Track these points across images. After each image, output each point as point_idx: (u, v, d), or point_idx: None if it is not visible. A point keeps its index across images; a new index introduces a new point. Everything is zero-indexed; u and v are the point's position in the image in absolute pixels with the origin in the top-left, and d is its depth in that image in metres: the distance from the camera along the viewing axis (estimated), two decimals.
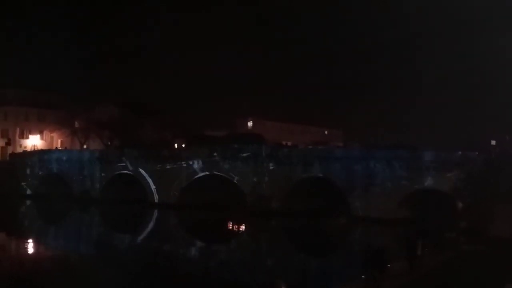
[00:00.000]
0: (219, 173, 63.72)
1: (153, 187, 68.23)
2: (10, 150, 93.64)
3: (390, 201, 53.09)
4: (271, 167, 60.49)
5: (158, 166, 67.75)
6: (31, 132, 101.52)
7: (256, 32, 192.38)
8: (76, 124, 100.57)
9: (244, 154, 62.21)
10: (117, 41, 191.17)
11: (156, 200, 67.68)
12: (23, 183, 78.95)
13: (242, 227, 58.74)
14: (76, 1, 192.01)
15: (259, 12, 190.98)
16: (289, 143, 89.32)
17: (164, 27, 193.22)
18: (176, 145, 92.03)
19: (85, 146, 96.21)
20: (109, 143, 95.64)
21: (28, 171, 79.10)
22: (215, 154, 64.46)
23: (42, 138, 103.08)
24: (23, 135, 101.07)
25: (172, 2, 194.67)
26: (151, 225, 61.70)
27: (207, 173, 64.63)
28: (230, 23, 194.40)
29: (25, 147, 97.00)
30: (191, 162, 65.64)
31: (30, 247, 45.00)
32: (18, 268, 35.09)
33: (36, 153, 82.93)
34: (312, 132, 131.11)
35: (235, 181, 62.64)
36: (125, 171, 70.87)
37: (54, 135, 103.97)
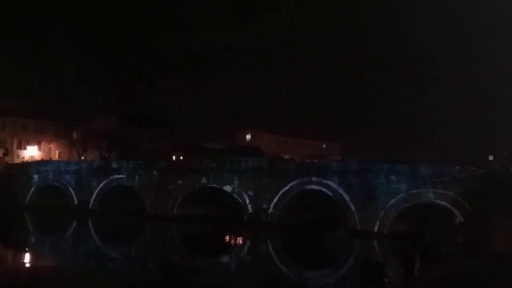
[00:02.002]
0: (216, 186, 63.58)
1: (151, 199, 68.00)
2: (7, 160, 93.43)
3: (388, 215, 52.98)
4: (269, 180, 60.34)
5: (156, 178, 67.57)
6: (29, 143, 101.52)
7: (257, 47, 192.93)
8: (74, 135, 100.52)
9: (242, 167, 62.10)
10: (118, 53, 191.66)
11: (154, 212, 67.39)
12: (20, 194, 78.60)
13: (240, 240, 58.56)
14: (76, 11, 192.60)
15: (260, 27, 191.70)
16: (287, 157, 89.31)
17: (166, 41, 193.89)
18: (174, 157, 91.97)
19: (83, 157, 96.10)
20: (107, 154, 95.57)
21: (25, 182, 78.80)
22: (213, 166, 64.35)
23: (40, 149, 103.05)
24: (21, 146, 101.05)
25: (175, 17, 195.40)
26: (148, 237, 61.48)
27: (204, 185, 64.45)
28: (231, 39, 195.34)
29: (23, 158, 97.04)
30: (188, 175, 65.48)
31: (26, 259, 44.70)
32: (14, 280, 34.83)
33: (34, 164, 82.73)
34: (310, 145, 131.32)
35: (233, 194, 62.46)
36: (123, 183, 70.72)
37: (52, 146, 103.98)
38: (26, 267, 40.92)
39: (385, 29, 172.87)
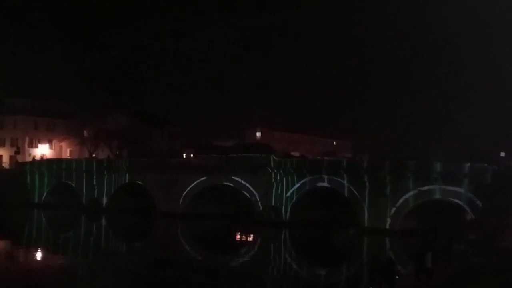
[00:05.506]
0: (227, 183, 63.66)
1: (161, 196, 68.20)
2: (19, 159, 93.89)
3: (399, 212, 52.82)
4: (279, 178, 60.31)
5: (166, 176, 67.71)
6: (40, 141, 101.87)
7: (265, 43, 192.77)
8: (85, 134, 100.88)
9: (253, 165, 62.08)
10: (128, 52, 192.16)
11: (164, 210, 67.54)
12: (31, 192, 79.08)
13: (250, 238, 58.59)
14: (87, 11, 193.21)
15: (267, 24, 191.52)
16: (297, 154, 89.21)
17: (175, 39, 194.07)
18: (184, 155, 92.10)
19: (94, 156, 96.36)
20: (118, 152, 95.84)
21: (36, 180, 79.28)
22: (223, 164, 64.43)
23: (51, 147, 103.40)
24: (32, 144, 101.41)
25: (184, 15, 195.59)
26: (159, 235, 61.62)
27: (215, 183, 64.54)
28: (239, 36, 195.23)
29: (34, 156, 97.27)
30: (199, 172, 65.60)
31: (38, 256, 45.02)
32: (26, 276, 35.05)
33: (45, 162, 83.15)
34: (320, 142, 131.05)
35: (243, 192, 62.51)
36: (134, 181, 70.94)
37: (63, 144, 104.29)
38: (39, 264, 41.23)
39: (392, 26, 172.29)
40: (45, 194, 78.36)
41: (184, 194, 66.41)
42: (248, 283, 35.83)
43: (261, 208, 60.93)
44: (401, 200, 52.87)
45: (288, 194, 59.50)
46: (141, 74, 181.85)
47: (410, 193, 52.58)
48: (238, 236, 59.61)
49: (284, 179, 60.04)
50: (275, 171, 60.67)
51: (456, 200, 49.91)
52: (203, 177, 65.24)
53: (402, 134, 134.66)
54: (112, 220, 68.38)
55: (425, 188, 51.86)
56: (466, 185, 49.38)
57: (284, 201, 59.68)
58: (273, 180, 60.64)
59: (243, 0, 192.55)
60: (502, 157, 61.46)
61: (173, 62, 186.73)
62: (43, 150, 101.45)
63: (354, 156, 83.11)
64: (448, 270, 28.73)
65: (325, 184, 57.70)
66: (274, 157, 62.96)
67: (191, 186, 66.03)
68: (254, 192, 61.60)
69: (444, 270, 28.33)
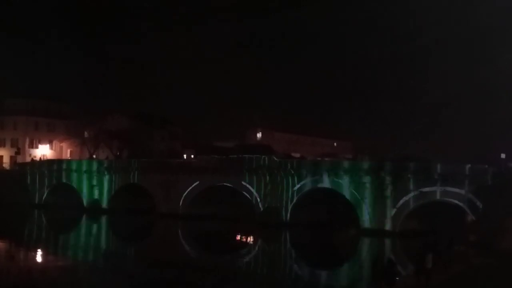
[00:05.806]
0: (227, 184, 63.61)
1: (162, 197, 68.16)
2: (19, 159, 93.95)
3: (399, 213, 52.78)
4: (279, 179, 60.25)
5: (167, 176, 67.65)
6: (40, 142, 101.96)
7: (266, 45, 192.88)
8: (86, 134, 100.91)
9: (253, 166, 62.04)
10: (128, 52, 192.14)
11: (165, 210, 67.52)
12: (32, 193, 79.02)
13: (251, 239, 58.53)
14: (85, 12, 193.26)
15: (269, 25, 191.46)
16: (297, 155, 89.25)
17: (175, 39, 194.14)
18: (185, 156, 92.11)
19: (94, 156, 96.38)
20: (118, 153, 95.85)
21: (37, 180, 79.22)
22: (223, 165, 64.39)
23: (51, 148, 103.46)
24: (33, 145, 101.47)
25: (185, 15, 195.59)
26: (159, 236, 61.57)
27: (215, 184, 64.50)
28: (240, 36, 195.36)
29: (35, 156, 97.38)
30: (199, 173, 65.53)
31: (39, 257, 44.97)
32: (26, 277, 35.05)
33: (45, 163, 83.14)
34: (321, 143, 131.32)
35: (244, 193, 62.45)
36: (134, 182, 70.89)
37: (64, 145, 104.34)
38: (39, 264, 41.17)
39: (392, 26, 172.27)
40: (45, 195, 78.31)
41: (184, 195, 66.35)
42: (248, 283, 35.81)
43: (261, 209, 60.88)
44: (401, 201, 52.83)
45: (289, 195, 59.45)
46: (141, 74, 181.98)
47: (411, 194, 52.55)
48: (238, 237, 59.57)
49: (285, 180, 59.97)
50: (276, 172, 60.63)
51: (456, 201, 49.87)
52: (203, 178, 65.16)
53: (402, 134, 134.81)
54: (113, 221, 68.34)
55: (426, 189, 51.81)
56: (467, 186, 49.35)
57: (284, 202, 59.62)
58: (273, 181, 60.56)
59: (243, 0, 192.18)
60: (503, 158, 61.42)
61: (173, 62, 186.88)
62: (43, 151, 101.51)
63: (355, 157, 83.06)
64: (448, 271, 28.73)
65: (326, 185, 57.66)
66: (275, 158, 62.92)
67: (191, 187, 65.97)
68: (254, 193, 61.56)
69: (444, 271, 28.33)
